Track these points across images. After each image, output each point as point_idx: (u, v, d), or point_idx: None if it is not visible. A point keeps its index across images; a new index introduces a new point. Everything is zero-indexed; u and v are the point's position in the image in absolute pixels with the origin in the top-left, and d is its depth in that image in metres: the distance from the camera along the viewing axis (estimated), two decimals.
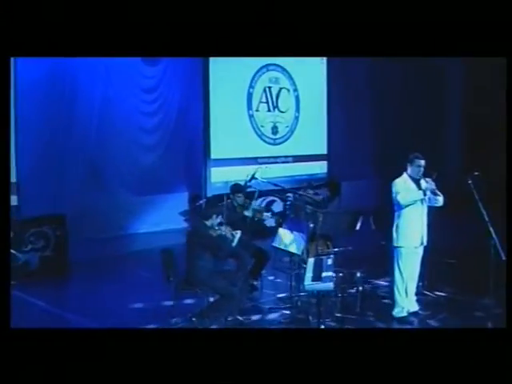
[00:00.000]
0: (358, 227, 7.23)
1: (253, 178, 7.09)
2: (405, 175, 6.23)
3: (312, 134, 13.11)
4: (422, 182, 6.13)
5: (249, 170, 11.22)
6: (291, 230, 6.22)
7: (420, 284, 7.03)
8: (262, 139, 12.22)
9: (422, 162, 6.14)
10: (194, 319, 5.86)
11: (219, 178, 11.10)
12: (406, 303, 6.32)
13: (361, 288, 6.22)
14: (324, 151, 13.39)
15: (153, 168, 10.94)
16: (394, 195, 6.14)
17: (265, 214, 7.45)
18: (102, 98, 10.00)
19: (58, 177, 9.39)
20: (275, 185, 6.92)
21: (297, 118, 12.88)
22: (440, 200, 6.23)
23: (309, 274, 5.10)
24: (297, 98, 12.85)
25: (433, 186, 6.09)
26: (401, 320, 6.24)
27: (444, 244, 7.33)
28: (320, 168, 13.29)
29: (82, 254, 8.80)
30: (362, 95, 13.57)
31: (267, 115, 12.31)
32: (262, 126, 12.20)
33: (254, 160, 11.89)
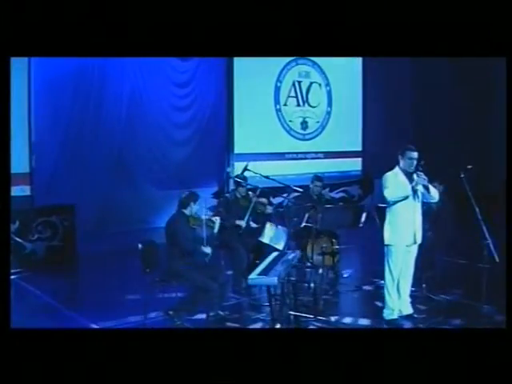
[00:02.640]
0: (361, 223, 6.93)
1: (245, 169, 6.88)
2: (397, 169, 5.84)
3: (345, 130, 12.70)
4: (415, 177, 5.72)
5: (275, 165, 11.22)
6: (277, 224, 6.00)
7: (424, 286, 6.69)
8: (290, 134, 11.94)
9: (415, 154, 5.71)
10: (170, 312, 5.75)
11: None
12: (397, 305, 5.94)
13: (312, 285, 5.85)
14: (358, 148, 12.98)
15: (183, 163, 10.87)
16: (382, 190, 5.80)
17: (268, 206, 7.27)
18: (131, 91, 9.96)
19: (80, 169, 9.45)
20: (267, 178, 6.67)
21: (329, 113, 12.52)
22: (434, 195, 5.81)
23: (260, 268, 4.83)
24: (329, 93, 12.49)
25: (425, 180, 5.66)
26: (390, 322, 5.87)
27: (443, 243, 6.87)
28: (353, 165, 12.91)
29: (100, 245, 8.87)
30: (399, 91, 13.02)
31: (296, 110, 12.02)
32: (291, 121, 11.91)
33: (282, 155, 11.70)
